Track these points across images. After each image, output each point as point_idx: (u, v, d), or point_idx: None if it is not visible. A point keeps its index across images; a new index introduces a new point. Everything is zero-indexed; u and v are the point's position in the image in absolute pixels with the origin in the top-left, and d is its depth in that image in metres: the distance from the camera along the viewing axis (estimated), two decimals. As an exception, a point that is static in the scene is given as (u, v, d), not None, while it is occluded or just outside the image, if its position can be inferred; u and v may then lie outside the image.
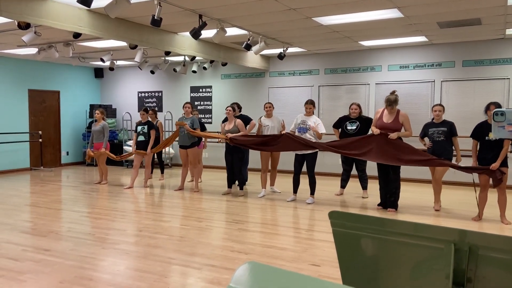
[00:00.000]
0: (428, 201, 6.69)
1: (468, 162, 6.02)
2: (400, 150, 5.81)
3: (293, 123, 6.90)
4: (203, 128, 8.39)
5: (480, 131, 5.45)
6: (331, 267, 3.86)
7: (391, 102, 5.93)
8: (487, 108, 5.43)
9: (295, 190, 6.98)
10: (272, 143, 6.85)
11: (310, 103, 6.82)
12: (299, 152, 6.77)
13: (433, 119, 6.22)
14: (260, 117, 7.52)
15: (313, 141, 6.55)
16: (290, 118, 7.59)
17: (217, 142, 7.74)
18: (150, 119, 8.52)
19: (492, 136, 5.31)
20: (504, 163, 5.32)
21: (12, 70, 10.56)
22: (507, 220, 5.45)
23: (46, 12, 5.45)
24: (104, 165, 8.68)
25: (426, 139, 6.20)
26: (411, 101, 8.90)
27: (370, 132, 6.29)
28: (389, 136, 5.82)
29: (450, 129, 6.01)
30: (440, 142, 6.00)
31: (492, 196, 5.81)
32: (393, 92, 6.10)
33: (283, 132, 7.07)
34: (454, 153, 6.07)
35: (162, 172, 9.45)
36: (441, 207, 6.33)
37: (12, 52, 9.60)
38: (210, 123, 11.20)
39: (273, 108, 7.55)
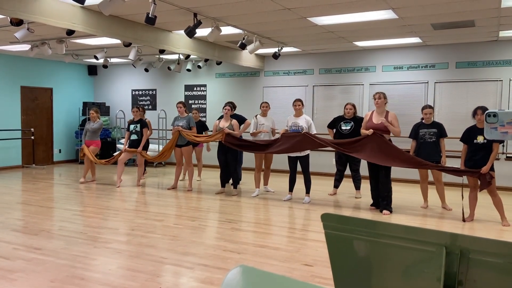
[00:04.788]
0: (420, 201, 6.71)
1: (455, 163, 6.07)
2: (394, 152, 5.85)
3: (285, 125, 6.92)
4: (205, 128, 8.60)
5: (469, 135, 5.52)
6: (323, 267, 3.87)
7: (380, 93, 6.00)
8: (475, 113, 5.49)
9: (291, 189, 7.00)
10: (266, 146, 6.85)
11: (298, 100, 6.87)
12: (291, 155, 6.79)
13: (422, 119, 6.30)
14: (256, 115, 7.53)
15: (311, 135, 6.49)
16: (284, 117, 7.59)
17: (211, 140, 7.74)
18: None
19: (480, 139, 5.37)
20: (491, 167, 5.37)
21: (4, 67, 10.47)
22: (507, 222, 5.47)
23: (39, 9, 5.41)
24: (95, 161, 8.51)
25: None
26: (404, 102, 8.94)
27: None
28: (380, 121, 5.86)
29: (440, 130, 6.15)
30: (431, 143, 6.11)
31: (485, 197, 5.85)
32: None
33: (276, 132, 7.11)
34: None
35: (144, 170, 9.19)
36: (428, 206, 6.47)
37: (5, 48, 9.52)
38: (205, 121, 11.16)
39: (269, 108, 7.57)
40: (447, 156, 6.30)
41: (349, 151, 6.21)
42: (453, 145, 7.45)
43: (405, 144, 6.81)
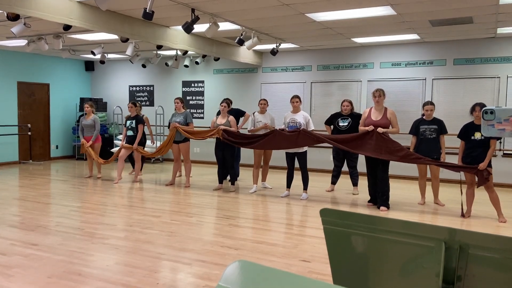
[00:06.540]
0: (418, 197, 6.73)
1: (453, 160, 6.08)
2: (393, 147, 5.85)
3: (282, 122, 6.91)
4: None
5: (466, 132, 5.54)
6: (321, 263, 3.87)
7: (380, 91, 5.98)
8: (473, 109, 5.49)
9: (288, 185, 6.99)
10: (263, 142, 6.83)
11: (296, 97, 6.84)
12: (289, 151, 6.79)
13: (423, 115, 6.30)
14: (254, 112, 7.50)
15: (307, 133, 6.49)
16: (282, 113, 7.59)
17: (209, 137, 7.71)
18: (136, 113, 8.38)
19: (478, 135, 5.37)
20: (489, 163, 5.39)
21: (1, 62, 10.40)
22: (503, 218, 5.50)
23: (35, 4, 5.37)
24: (97, 160, 8.53)
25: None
26: (402, 99, 8.94)
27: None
28: (377, 129, 5.86)
29: (440, 127, 6.16)
30: (431, 139, 6.13)
31: (481, 193, 5.86)
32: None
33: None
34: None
35: (134, 167, 8.75)
36: (425, 203, 6.50)
37: (1, 43, 9.45)
38: (202, 118, 11.16)
39: (268, 105, 7.51)
40: (446, 153, 6.32)
41: (348, 147, 6.20)
42: (451, 142, 7.46)
43: (405, 140, 6.81)
